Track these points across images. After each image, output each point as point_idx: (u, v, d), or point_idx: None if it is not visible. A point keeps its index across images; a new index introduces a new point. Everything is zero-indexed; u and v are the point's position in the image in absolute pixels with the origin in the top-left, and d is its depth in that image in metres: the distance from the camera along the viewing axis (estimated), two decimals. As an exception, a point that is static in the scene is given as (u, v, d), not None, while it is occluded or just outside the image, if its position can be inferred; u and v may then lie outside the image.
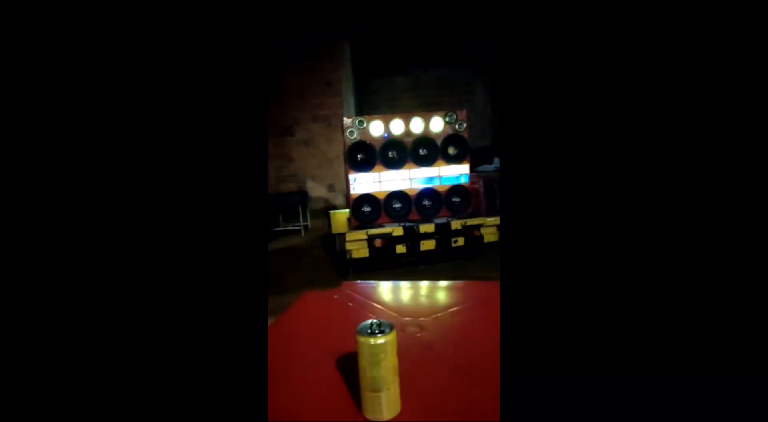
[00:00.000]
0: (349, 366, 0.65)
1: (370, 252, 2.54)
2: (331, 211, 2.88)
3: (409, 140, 2.71)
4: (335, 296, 1.08)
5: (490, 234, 2.64)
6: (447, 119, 2.73)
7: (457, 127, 2.74)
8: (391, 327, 0.57)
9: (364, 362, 0.56)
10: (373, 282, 1.29)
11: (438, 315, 0.96)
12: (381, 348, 0.55)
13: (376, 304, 1.04)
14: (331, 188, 4.40)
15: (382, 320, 0.58)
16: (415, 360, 0.71)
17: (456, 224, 2.61)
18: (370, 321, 0.58)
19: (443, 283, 1.47)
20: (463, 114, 2.76)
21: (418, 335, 0.84)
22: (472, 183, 2.82)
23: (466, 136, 2.77)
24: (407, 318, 0.92)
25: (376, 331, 0.56)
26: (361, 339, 0.55)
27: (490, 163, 4.46)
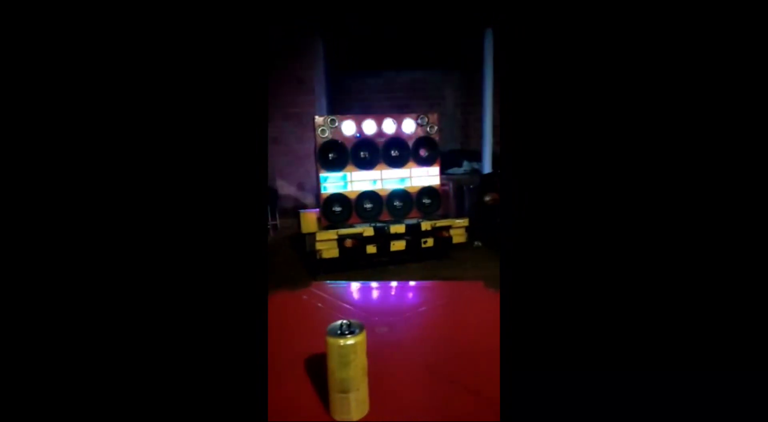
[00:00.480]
0: (317, 367, 0.64)
1: (340, 252, 2.52)
2: (302, 211, 2.83)
3: (381, 141, 2.71)
4: (304, 297, 1.07)
5: (458, 236, 2.70)
6: (419, 121, 2.77)
7: (428, 129, 2.78)
8: (361, 328, 0.57)
9: (333, 363, 0.55)
10: (342, 283, 1.28)
11: (407, 315, 0.97)
12: (351, 348, 0.55)
13: (345, 305, 1.03)
14: (300, 187, 4.33)
15: (351, 320, 0.58)
16: (384, 360, 0.71)
17: (426, 225, 2.64)
18: (339, 321, 0.57)
19: (412, 283, 1.48)
20: (434, 117, 2.81)
21: (388, 335, 0.85)
22: (442, 185, 2.87)
23: (437, 139, 2.81)
24: (377, 319, 0.92)
25: (346, 332, 0.55)
26: (331, 340, 0.55)
27: (460, 166, 4.57)
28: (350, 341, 0.55)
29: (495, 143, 4.18)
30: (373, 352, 0.59)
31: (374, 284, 1.32)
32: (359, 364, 0.56)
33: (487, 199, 2.96)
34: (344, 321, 0.57)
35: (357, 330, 0.56)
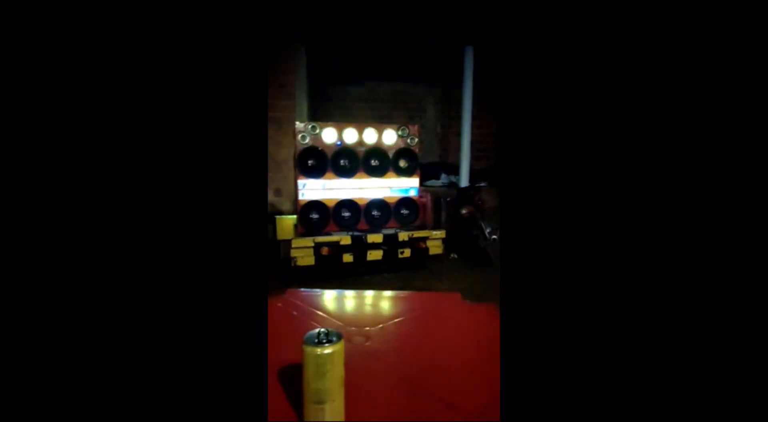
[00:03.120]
0: (291, 378, 0.62)
1: (316, 260, 2.48)
2: (278, 216, 2.78)
3: (361, 150, 2.71)
4: (279, 304, 1.04)
5: (435, 247, 2.72)
6: (400, 132, 2.79)
7: (408, 141, 2.81)
8: (339, 337, 0.55)
9: (309, 373, 0.53)
10: (318, 291, 1.26)
11: (383, 325, 0.95)
12: (328, 358, 0.53)
13: (321, 313, 1.01)
14: (277, 193, 4.25)
15: (329, 329, 0.56)
16: (360, 370, 0.70)
17: (403, 235, 2.65)
18: (317, 330, 0.56)
19: (388, 293, 1.47)
20: (415, 129, 2.84)
21: (365, 345, 0.83)
22: (420, 196, 2.89)
23: (417, 150, 2.84)
24: (353, 328, 0.90)
25: (324, 341, 0.54)
26: (308, 349, 0.53)
27: (438, 178, 4.63)
28: (328, 350, 0.53)
29: (473, 157, 4.27)
30: (350, 362, 0.58)
31: (350, 293, 1.30)
32: (336, 374, 0.54)
33: (463, 211, 3.01)
34: (321, 330, 0.55)
35: (335, 339, 0.54)
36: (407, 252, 2.66)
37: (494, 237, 2.84)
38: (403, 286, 2.53)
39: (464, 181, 4.10)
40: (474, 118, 4.13)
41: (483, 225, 2.92)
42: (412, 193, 2.83)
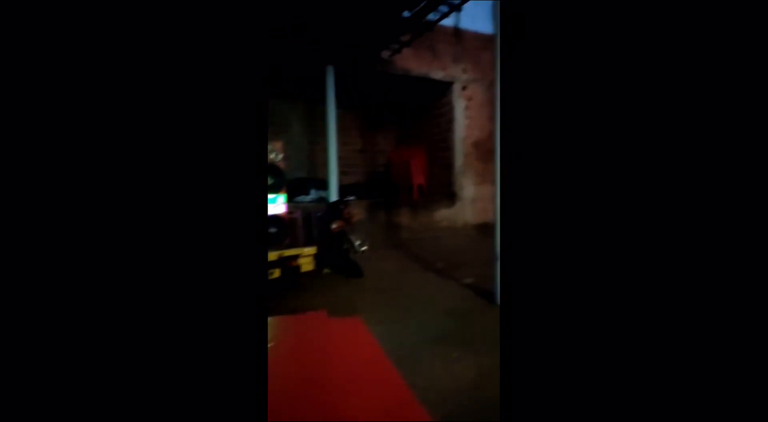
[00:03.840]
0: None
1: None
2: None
3: (220, 166, 2.51)
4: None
5: (307, 264, 2.69)
6: (263, 148, 2.69)
7: (273, 156, 2.73)
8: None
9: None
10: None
11: (249, 356, 0.90)
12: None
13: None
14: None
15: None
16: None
17: (272, 255, 2.54)
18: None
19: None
20: (279, 145, 2.78)
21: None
22: (289, 213, 2.83)
23: (282, 166, 2.78)
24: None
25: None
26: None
27: (307, 193, 4.61)
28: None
29: (340, 172, 4.40)
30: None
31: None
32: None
33: (333, 226, 3.06)
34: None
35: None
36: (277, 273, 2.56)
37: (363, 248, 2.97)
38: (275, 309, 2.41)
39: (333, 196, 4.19)
40: (338, 133, 4.28)
41: (352, 238, 3.02)
42: (280, 210, 2.74)
